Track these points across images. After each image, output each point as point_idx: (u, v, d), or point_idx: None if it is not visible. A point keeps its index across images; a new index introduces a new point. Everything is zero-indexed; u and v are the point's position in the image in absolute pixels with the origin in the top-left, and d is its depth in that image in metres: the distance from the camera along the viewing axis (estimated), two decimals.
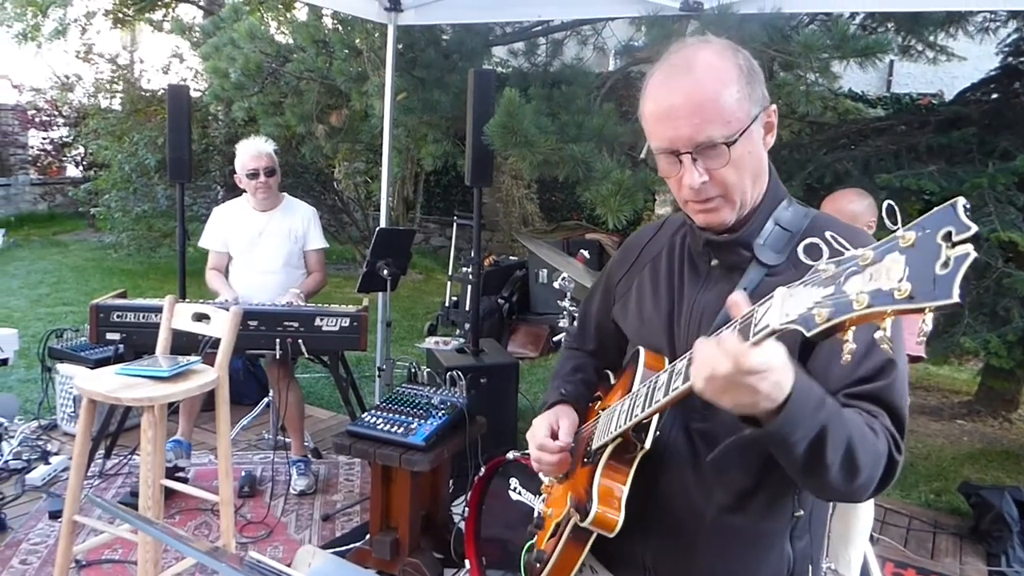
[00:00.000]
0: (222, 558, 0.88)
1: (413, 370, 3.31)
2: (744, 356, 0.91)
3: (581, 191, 3.70)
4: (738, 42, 1.24)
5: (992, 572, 3.35)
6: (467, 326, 5.73)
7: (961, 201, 0.78)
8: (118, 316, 3.41)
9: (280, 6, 6.80)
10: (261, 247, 3.79)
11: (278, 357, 3.46)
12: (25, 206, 11.59)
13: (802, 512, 1.23)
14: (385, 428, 2.94)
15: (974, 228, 0.75)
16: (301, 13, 7.17)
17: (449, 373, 3.22)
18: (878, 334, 0.79)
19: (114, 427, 3.81)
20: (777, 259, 1.18)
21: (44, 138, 11.68)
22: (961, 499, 3.86)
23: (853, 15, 4.79)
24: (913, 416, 5.25)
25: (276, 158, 3.78)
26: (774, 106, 1.21)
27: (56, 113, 11.18)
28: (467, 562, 2.71)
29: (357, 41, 4.91)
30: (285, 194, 3.93)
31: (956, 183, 3.67)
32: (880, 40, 3.06)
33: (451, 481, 3.31)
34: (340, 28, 5.21)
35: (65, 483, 3.12)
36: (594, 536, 1.24)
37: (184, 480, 3.53)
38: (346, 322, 3.46)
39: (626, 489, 1.19)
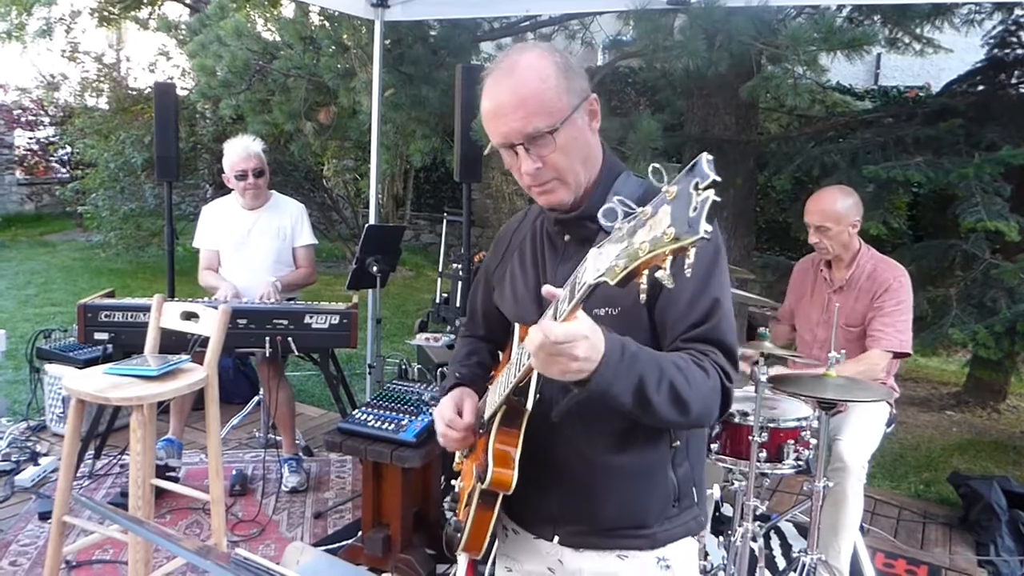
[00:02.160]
0: (210, 556, 0.88)
1: (403, 367, 3.31)
2: (551, 330, 1.06)
3: None
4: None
5: (981, 561, 3.37)
6: (457, 322, 5.72)
7: (705, 156, 0.94)
8: (106, 316, 3.39)
9: (266, 3, 6.75)
10: (251, 245, 3.77)
11: (268, 355, 3.44)
12: (12, 206, 11.49)
13: (679, 442, 1.38)
14: (376, 425, 2.94)
15: (712, 176, 0.91)
16: (288, 10, 7.13)
17: (440, 369, 3.23)
18: (659, 273, 0.94)
19: (103, 427, 3.79)
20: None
21: (30, 138, 11.58)
22: (950, 489, 3.88)
23: (840, 8, 4.80)
24: (902, 407, 5.28)
25: (265, 157, 3.76)
26: (594, 95, 1.36)
27: (42, 112, 11.08)
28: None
29: (344, 37, 4.89)
30: (273, 191, 3.91)
31: (943, 174, 3.69)
32: (867, 32, 3.07)
33: (443, 477, 3.31)
34: (327, 24, 5.18)
35: (54, 484, 3.10)
36: (500, 499, 1.33)
37: (175, 479, 3.51)
38: (336, 319, 3.45)
39: (518, 450, 1.31)
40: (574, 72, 1.34)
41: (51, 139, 11.36)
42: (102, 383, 2.49)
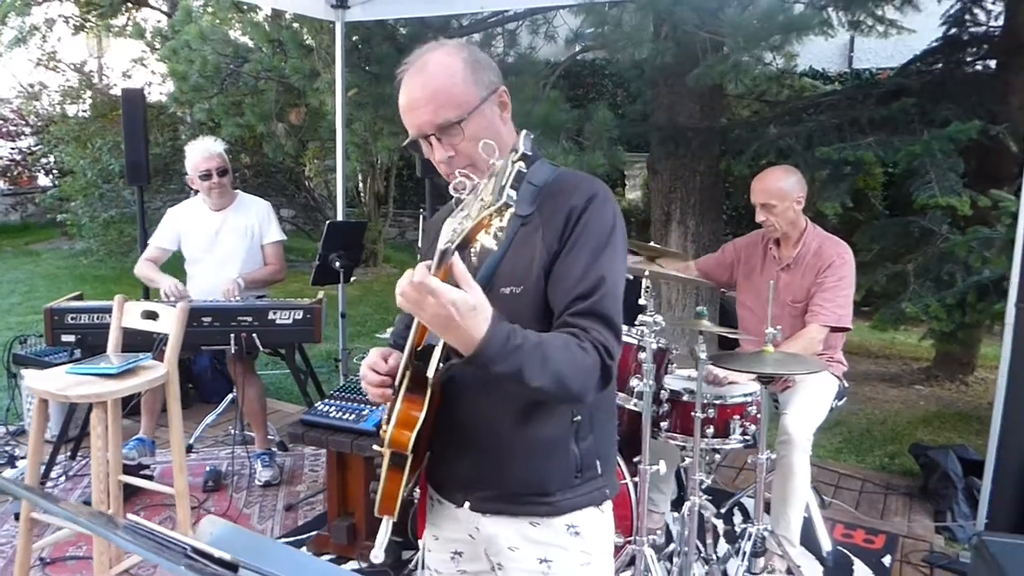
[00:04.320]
0: (98, 521, 0.94)
1: None
2: (418, 272, 1.14)
3: None
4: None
5: (938, 527, 3.46)
6: None
7: (524, 132, 1.07)
8: (72, 318, 3.46)
9: (229, 7, 6.81)
10: (219, 246, 3.83)
11: (233, 352, 3.51)
12: None
13: (580, 417, 1.44)
14: (337, 416, 3.01)
15: (523, 150, 1.04)
16: (259, 13, 7.17)
17: None
18: (482, 237, 1.07)
19: (78, 430, 3.86)
20: (529, 209, 1.39)
21: (12, 148, 11.61)
22: (914, 461, 3.97)
23: None
24: (872, 383, 5.35)
25: (227, 157, 3.83)
26: (503, 87, 1.46)
27: (23, 122, 11.11)
28: (421, 542, 2.78)
29: (307, 39, 4.96)
30: (239, 191, 3.97)
31: (892, 152, 3.77)
32: (803, 17, 3.14)
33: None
34: (293, 26, 5.24)
35: None
36: (408, 462, 1.37)
37: (149, 477, 3.58)
38: (299, 315, 3.52)
39: (421, 414, 1.35)
40: (482, 67, 1.43)
41: (33, 149, 11.39)
42: (63, 382, 2.56)
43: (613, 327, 1.36)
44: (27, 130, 11.21)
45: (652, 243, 3.06)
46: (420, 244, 1.81)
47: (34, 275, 8.78)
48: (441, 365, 1.37)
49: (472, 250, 1.10)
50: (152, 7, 9.57)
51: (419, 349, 1.38)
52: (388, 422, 1.45)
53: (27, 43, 8.92)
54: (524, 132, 1.08)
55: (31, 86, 9.66)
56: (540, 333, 1.30)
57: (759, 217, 3.07)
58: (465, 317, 1.17)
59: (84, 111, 9.06)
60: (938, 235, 4.29)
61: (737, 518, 3.54)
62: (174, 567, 0.85)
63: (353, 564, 3.02)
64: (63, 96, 9.44)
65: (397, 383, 1.46)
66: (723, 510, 3.40)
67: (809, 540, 3.10)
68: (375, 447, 1.64)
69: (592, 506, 1.50)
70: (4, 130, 11.22)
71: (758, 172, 3.21)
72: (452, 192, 1.17)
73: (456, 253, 1.18)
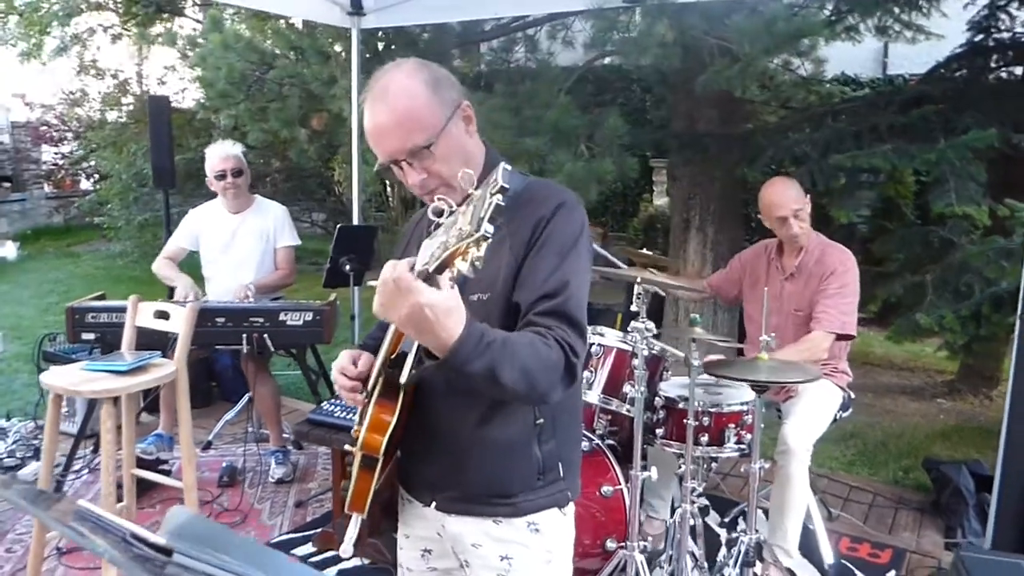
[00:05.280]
0: (39, 503, 1.00)
1: None
2: (399, 268, 1.16)
3: None
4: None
5: (948, 544, 3.40)
6: None
7: (503, 165, 1.08)
8: (92, 317, 3.59)
9: (254, 17, 6.98)
10: (235, 248, 3.93)
11: (245, 351, 3.60)
12: (41, 219, 11.93)
13: (543, 419, 1.47)
14: (342, 415, 3.07)
15: (501, 183, 1.05)
16: (282, 22, 7.35)
17: None
18: (460, 264, 1.07)
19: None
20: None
21: (56, 153, 12.01)
22: (927, 475, 3.90)
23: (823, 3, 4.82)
24: (893, 396, 5.25)
25: (244, 160, 3.93)
26: (466, 102, 1.47)
27: (66, 128, 11.49)
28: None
29: (332, 44, 5.06)
30: (257, 195, 4.08)
31: (907, 160, 3.72)
32: (809, 23, 3.12)
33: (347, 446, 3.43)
34: (316, 32, 5.35)
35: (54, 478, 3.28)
36: (379, 463, 1.41)
37: (167, 472, 3.69)
38: (310, 316, 3.59)
39: (393, 418, 1.39)
40: (443, 85, 1.44)
41: (75, 153, 11.77)
42: (76, 378, 2.67)
43: (577, 326, 1.37)
44: (69, 135, 11.59)
45: (646, 250, 3.06)
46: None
47: (73, 276, 9.06)
48: (413, 371, 1.39)
49: (448, 274, 1.11)
50: (188, 16, 9.83)
51: (393, 357, 1.42)
52: (361, 425, 1.49)
53: (68, 52, 9.23)
54: (502, 165, 1.10)
55: (72, 93, 9.99)
56: (506, 332, 1.32)
57: (793, 230, 2.96)
58: (440, 318, 1.18)
59: (121, 117, 9.33)
60: (957, 245, 4.21)
61: (741, 527, 3.52)
62: (108, 549, 0.90)
63: (356, 561, 3.08)
64: (102, 103, 9.74)
65: (370, 387, 1.50)
66: (727, 519, 3.39)
67: (811, 552, 3.07)
68: (347, 447, 1.68)
69: (554, 507, 1.52)
70: (48, 135, 11.62)
71: (772, 177, 3.21)
72: (431, 216, 1.18)
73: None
